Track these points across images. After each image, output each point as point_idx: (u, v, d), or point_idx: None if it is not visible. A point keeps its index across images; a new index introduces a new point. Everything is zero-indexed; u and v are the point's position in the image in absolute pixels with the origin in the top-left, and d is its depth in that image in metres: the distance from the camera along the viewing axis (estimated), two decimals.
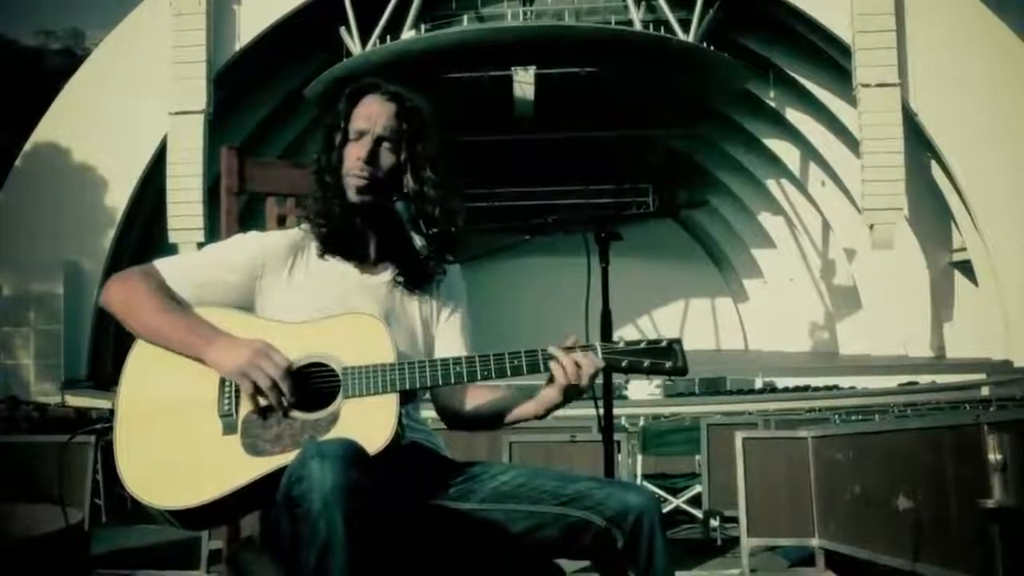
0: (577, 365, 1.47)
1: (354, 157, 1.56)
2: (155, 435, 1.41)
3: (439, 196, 1.58)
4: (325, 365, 1.45)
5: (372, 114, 1.58)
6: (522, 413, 1.58)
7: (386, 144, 1.58)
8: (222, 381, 1.45)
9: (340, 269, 1.60)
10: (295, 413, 1.42)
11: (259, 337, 1.45)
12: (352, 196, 1.56)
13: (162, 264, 1.53)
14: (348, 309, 1.52)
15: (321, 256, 1.58)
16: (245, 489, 1.36)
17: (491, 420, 1.63)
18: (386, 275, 1.61)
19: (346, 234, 1.57)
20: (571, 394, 1.50)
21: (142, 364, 1.48)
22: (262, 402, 1.41)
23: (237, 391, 1.44)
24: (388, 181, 1.57)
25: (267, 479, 1.35)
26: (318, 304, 1.52)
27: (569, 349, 1.49)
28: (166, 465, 1.39)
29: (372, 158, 1.56)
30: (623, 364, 1.49)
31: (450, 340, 1.66)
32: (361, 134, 1.57)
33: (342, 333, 1.47)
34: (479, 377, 1.48)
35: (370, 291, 1.59)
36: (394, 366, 1.44)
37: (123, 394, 1.45)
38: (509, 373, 1.48)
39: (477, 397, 1.64)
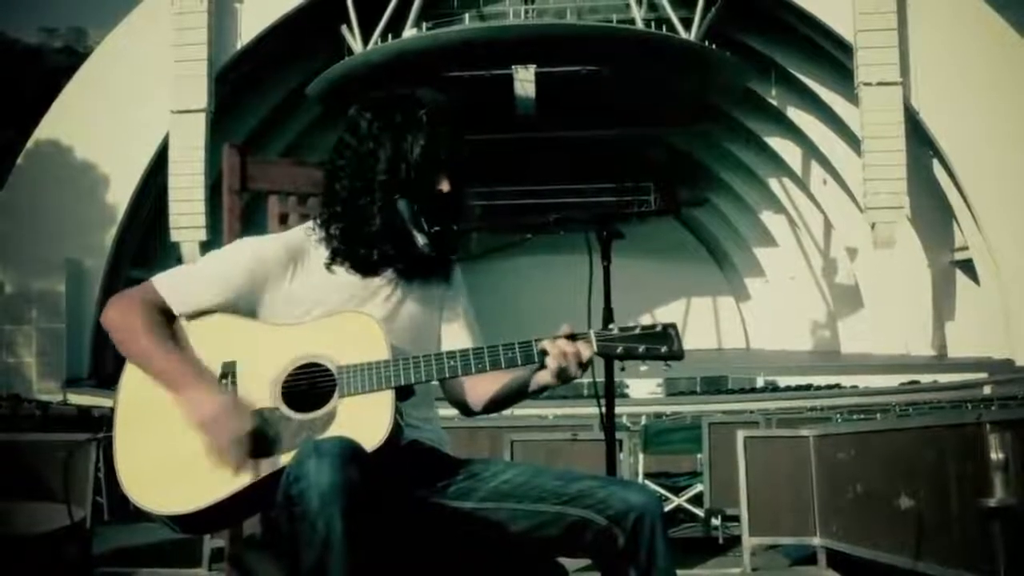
0: (569, 353, 1.46)
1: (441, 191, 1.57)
2: (153, 440, 1.41)
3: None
4: (320, 366, 1.45)
5: (451, 143, 1.57)
6: (526, 388, 1.59)
7: (459, 177, 1.58)
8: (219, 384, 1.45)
9: (341, 272, 1.59)
10: (292, 414, 1.41)
11: (251, 345, 1.46)
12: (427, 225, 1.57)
13: (160, 284, 1.50)
14: (346, 309, 1.52)
15: (328, 267, 1.57)
16: (243, 492, 1.36)
17: (503, 403, 1.64)
18: (387, 275, 1.61)
19: (375, 245, 1.56)
20: (563, 378, 1.49)
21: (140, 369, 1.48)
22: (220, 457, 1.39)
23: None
24: (454, 207, 1.59)
25: (265, 482, 1.35)
26: (320, 310, 1.52)
27: (563, 337, 1.48)
28: (164, 470, 1.38)
29: (455, 191, 1.57)
30: (618, 350, 1.48)
31: (455, 334, 1.67)
32: (442, 165, 1.56)
33: (336, 333, 1.47)
34: (473, 370, 1.48)
35: (372, 292, 1.59)
36: (388, 363, 1.44)
37: (121, 399, 1.45)
38: (503, 364, 1.48)
39: (484, 384, 1.64)
